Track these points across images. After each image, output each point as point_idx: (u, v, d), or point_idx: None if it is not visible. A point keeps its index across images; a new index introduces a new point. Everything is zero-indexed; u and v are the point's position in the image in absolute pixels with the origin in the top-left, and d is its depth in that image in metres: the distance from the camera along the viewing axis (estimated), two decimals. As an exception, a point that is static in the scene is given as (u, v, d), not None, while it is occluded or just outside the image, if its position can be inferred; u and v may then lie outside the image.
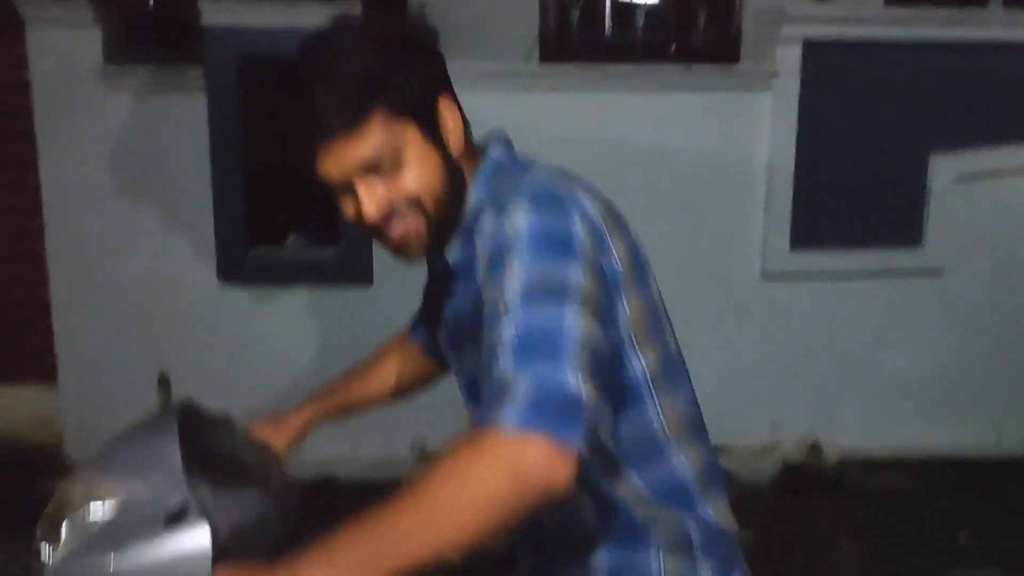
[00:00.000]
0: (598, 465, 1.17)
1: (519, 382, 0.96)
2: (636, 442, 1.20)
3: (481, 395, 1.02)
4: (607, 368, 1.05)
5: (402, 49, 1.18)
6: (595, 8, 4.86)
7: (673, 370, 1.25)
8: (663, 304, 1.28)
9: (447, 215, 1.21)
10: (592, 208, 1.13)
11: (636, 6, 4.86)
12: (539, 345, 0.98)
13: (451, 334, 1.30)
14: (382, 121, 1.14)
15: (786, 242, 3.93)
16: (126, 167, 3.69)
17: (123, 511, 1.10)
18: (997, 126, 3.98)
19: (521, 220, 1.07)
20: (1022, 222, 4.05)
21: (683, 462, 1.23)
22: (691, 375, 1.33)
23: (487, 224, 1.13)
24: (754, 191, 3.91)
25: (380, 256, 3.77)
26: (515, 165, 1.26)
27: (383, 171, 1.16)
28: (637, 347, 1.18)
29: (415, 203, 1.18)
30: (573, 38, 4.85)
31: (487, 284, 1.09)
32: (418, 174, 1.17)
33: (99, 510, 1.11)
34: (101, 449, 1.25)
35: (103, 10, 3.60)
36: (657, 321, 1.23)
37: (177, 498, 1.08)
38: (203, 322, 3.82)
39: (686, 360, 1.31)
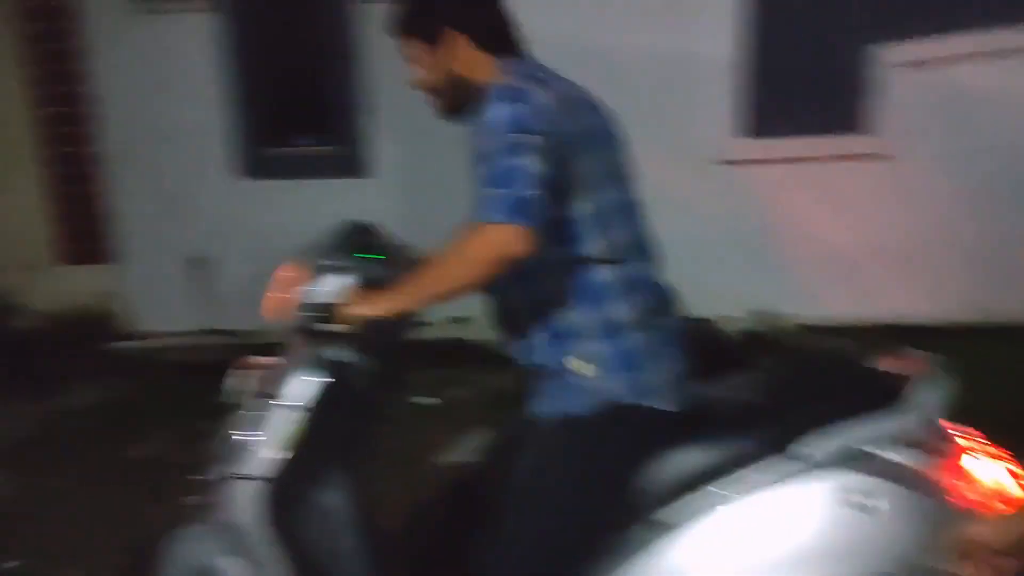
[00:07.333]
0: (551, 259, 1.69)
1: (496, 196, 1.56)
2: (578, 259, 1.73)
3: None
4: (554, 197, 1.65)
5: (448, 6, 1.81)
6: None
7: (620, 215, 1.78)
8: (621, 169, 1.81)
9: (452, 99, 1.83)
10: (544, 98, 1.69)
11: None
12: (504, 178, 1.57)
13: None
14: (417, 42, 1.81)
15: (748, 131, 4.35)
16: (154, 77, 4.31)
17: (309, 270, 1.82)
18: (941, 15, 4.23)
19: (493, 111, 1.67)
20: (965, 108, 4.33)
21: (610, 281, 1.74)
22: (668, 250, 1.84)
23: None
24: (719, 84, 4.31)
25: (377, 154, 4.38)
26: (517, 70, 1.78)
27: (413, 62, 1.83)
28: (582, 193, 1.72)
29: (423, 86, 1.83)
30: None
31: (476, 151, 1.70)
32: (422, 70, 1.82)
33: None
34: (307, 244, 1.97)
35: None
36: (605, 179, 1.76)
37: (327, 262, 1.80)
38: (228, 211, 4.47)
39: (662, 235, 1.86)
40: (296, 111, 4.45)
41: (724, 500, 1.68)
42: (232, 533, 1.86)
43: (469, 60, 1.79)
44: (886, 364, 1.81)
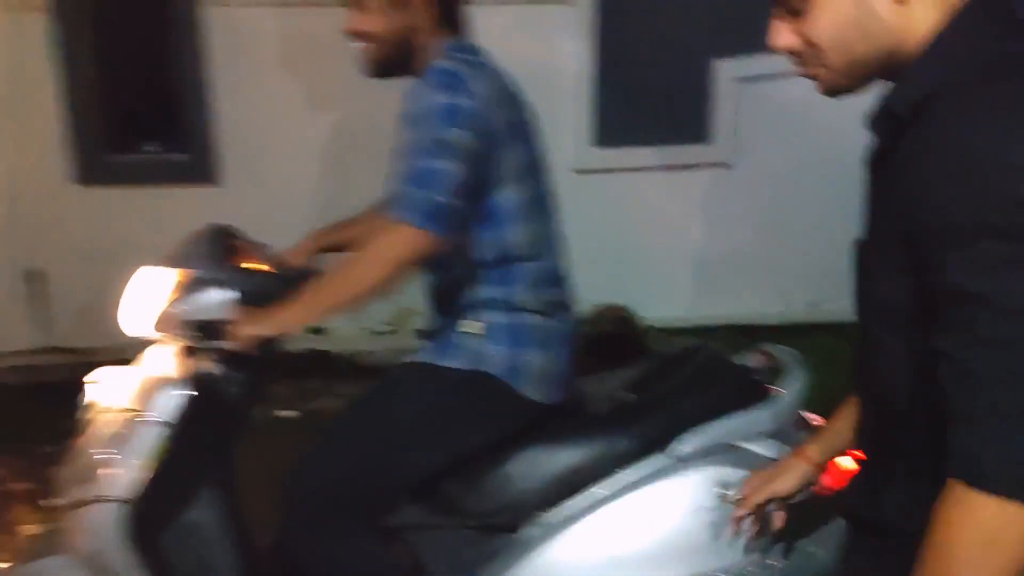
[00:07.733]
0: (467, 251, 1.75)
1: (412, 197, 1.59)
2: (494, 245, 1.76)
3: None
4: (474, 194, 1.66)
5: None
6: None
7: (537, 207, 1.82)
8: (540, 162, 1.87)
9: (389, 59, 1.76)
10: (481, 89, 1.68)
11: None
12: (424, 179, 1.59)
13: None
14: None
15: (593, 141, 4.48)
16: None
17: (189, 281, 1.73)
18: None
19: (428, 97, 1.65)
20: (799, 120, 4.60)
21: (521, 267, 1.79)
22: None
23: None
24: (563, 95, 4.41)
25: (228, 160, 4.26)
26: (459, 52, 1.75)
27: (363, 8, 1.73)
28: (509, 184, 1.74)
29: (364, 36, 1.74)
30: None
31: (404, 133, 1.67)
32: (373, 20, 1.73)
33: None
34: (173, 250, 1.86)
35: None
36: (529, 171, 1.80)
37: (210, 275, 1.73)
38: (67, 221, 4.22)
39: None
40: (141, 116, 4.27)
41: (606, 500, 1.73)
42: (90, 561, 1.75)
43: (426, 27, 1.74)
44: (752, 361, 1.92)
